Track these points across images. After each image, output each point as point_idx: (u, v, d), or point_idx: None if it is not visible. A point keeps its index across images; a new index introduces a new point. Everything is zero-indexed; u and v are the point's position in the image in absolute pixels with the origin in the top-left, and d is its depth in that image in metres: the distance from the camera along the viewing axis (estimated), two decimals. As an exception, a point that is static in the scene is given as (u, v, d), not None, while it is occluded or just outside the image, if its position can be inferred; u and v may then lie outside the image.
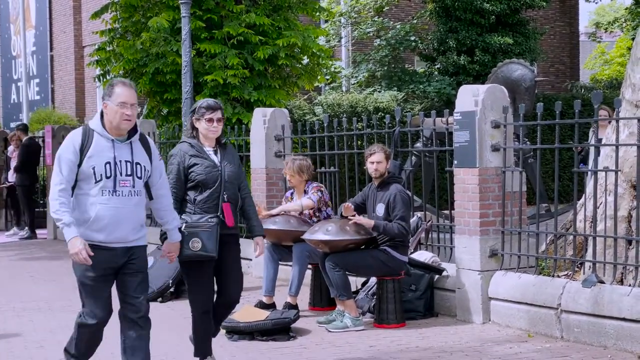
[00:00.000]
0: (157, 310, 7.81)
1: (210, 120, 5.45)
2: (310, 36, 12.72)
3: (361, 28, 19.80)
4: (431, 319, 7.16)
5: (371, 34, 19.74)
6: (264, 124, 9.41)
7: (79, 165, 4.59)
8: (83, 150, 4.62)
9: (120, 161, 4.66)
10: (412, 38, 19.14)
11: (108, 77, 13.24)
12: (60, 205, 4.53)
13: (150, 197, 4.87)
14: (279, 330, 6.59)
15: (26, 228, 14.60)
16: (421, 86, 17.96)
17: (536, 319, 6.47)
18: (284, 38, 12.31)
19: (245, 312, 6.82)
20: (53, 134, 14.27)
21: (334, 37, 20.34)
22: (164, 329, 6.91)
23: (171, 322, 7.22)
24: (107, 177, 4.61)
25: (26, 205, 14.45)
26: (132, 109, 4.67)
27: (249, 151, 9.86)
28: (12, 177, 14.77)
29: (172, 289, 8.48)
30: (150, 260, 8.65)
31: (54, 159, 4.71)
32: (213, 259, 5.33)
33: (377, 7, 19.95)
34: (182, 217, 5.33)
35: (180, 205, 5.39)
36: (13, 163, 14.71)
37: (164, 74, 12.36)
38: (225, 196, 5.40)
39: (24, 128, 15.25)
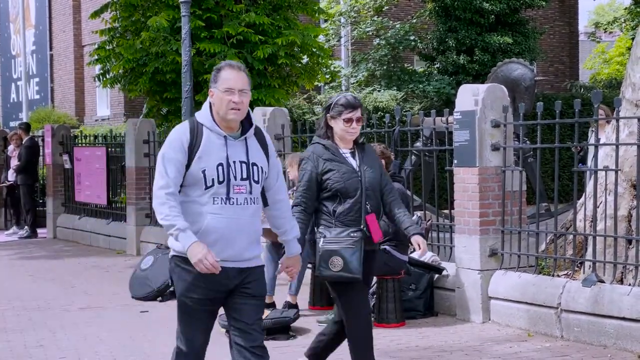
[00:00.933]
0: (156, 310, 7.83)
1: (349, 120, 4.70)
2: (310, 35, 12.71)
3: (361, 27, 19.81)
4: (431, 318, 7.16)
5: (371, 34, 19.74)
6: (263, 123, 9.41)
7: (187, 166, 3.82)
8: (192, 149, 3.82)
9: (234, 162, 3.84)
10: (412, 37, 19.15)
11: (107, 77, 13.25)
12: (171, 209, 3.75)
13: (266, 203, 4.04)
14: (279, 329, 6.59)
15: (26, 227, 14.60)
16: (420, 85, 17.97)
17: (536, 318, 6.47)
18: (283, 37, 12.31)
19: (245, 311, 6.82)
20: (52, 133, 14.27)
21: (333, 36, 20.34)
22: (163, 329, 6.91)
23: (170, 323, 7.21)
24: (220, 182, 3.80)
25: (28, 205, 14.45)
26: (242, 95, 3.85)
27: (248, 150, 9.85)
28: (11, 176, 14.77)
29: (171, 289, 8.48)
30: (150, 260, 8.68)
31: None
32: (358, 281, 4.62)
33: (376, 7, 19.97)
34: (319, 229, 4.67)
35: (315, 217, 4.71)
36: (13, 162, 14.71)
37: (163, 73, 12.36)
38: (368, 206, 4.69)
39: (26, 127, 15.25)
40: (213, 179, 3.80)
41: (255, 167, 3.89)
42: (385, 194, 4.84)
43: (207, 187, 3.80)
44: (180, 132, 3.86)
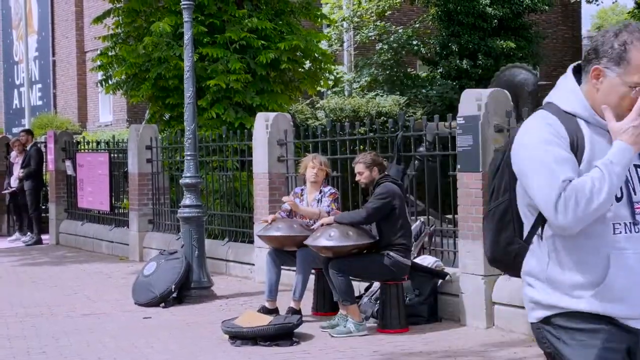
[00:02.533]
0: (160, 316, 7.81)
1: None
2: (313, 40, 12.72)
3: (363, 32, 19.81)
4: (435, 323, 7.13)
5: (373, 38, 19.75)
6: (266, 128, 9.40)
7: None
8: (576, 149, 2.51)
9: (632, 170, 2.55)
10: (415, 42, 19.16)
11: (110, 82, 13.26)
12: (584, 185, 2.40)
13: None
14: (282, 335, 6.56)
15: (29, 233, 14.59)
16: (423, 90, 17.96)
17: (540, 323, 6.44)
18: (286, 42, 12.31)
19: (248, 317, 6.80)
20: (55, 140, 14.27)
21: (336, 41, 20.36)
22: (166, 335, 6.90)
23: (173, 329, 7.20)
24: (617, 200, 2.49)
25: (35, 211, 14.46)
26: None
27: (251, 156, 9.85)
28: (14, 182, 14.77)
29: (174, 295, 8.46)
30: (153, 266, 8.67)
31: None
32: None
33: (379, 12, 19.97)
34: None
35: None
36: (16, 168, 14.71)
37: (166, 79, 12.36)
38: None
39: (30, 133, 15.35)
40: None
41: None
42: None
43: None
44: (550, 124, 2.53)
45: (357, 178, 7.05)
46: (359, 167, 7.00)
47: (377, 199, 6.77)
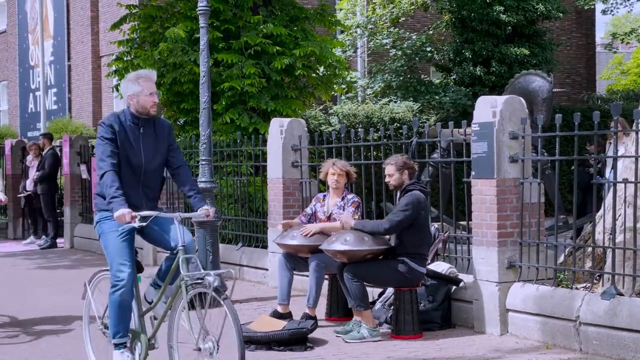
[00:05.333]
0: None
1: None
2: (328, 47, 12.76)
3: (377, 39, 19.83)
4: (448, 330, 7.14)
5: (387, 45, 19.77)
6: (280, 134, 9.43)
7: None
8: None
9: None
10: (428, 49, 19.17)
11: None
12: None
13: None
14: (296, 340, 6.58)
15: (44, 237, 14.68)
16: (437, 97, 17.96)
17: (554, 331, 6.44)
18: (301, 48, 12.36)
19: (261, 322, 6.83)
20: (70, 144, 14.36)
21: (349, 47, 20.39)
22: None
23: (186, 333, 7.22)
24: None
25: (51, 214, 14.54)
26: None
27: (265, 161, 9.89)
28: (29, 186, 14.87)
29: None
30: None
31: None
32: None
33: (393, 18, 20.00)
34: None
35: None
36: (32, 172, 14.81)
37: (181, 84, 12.43)
38: None
39: (50, 137, 15.45)
40: None
41: None
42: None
43: None
44: None
45: (387, 180, 7.02)
46: (389, 169, 6.99)
47: (401, 211, 6.75)
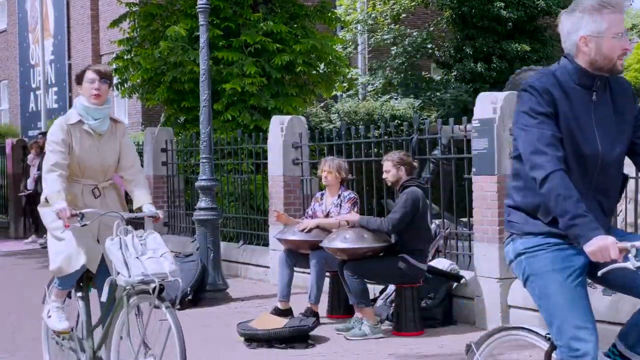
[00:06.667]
0: (176, 318, 7.83)
1: None
2: (328, 43, 12.76)
3: (378, 35, 19.83)
4: (450, 326, 7.14)
5: (388, 42, 19.76)
6: (281, 131, 9.43)
7: None
8: None
9: None
10: (429, 45, 19.17)
11: (126, 86, 13.33)
12: None
13: None
14: (298, 337, 6.58)
15: (45, 236, 14.66)
16: (438, 93, 17.96)
17: (556, 327, 6.43)
18: (302, 44, 12.35)
19: (263, 319, 6.83)
20: (71, 142, 14.34)
21: (350, 44, 20.38)
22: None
23: (188, 331, 7.22)
24: None
25: None
26: None
27: (266, 158, 9.88)
28: (30, 184, 14.86)
29: (190, 297, 8.50)
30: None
31: None
32: None
33: (393, 15, 19.99)
34: None
35: None
36: (33, 171, 14.81)
37: (181, 82, 12.42)
38: None
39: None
40: None
41: None
42: None
43: None
44: None
45: (384, 176, 7.03)
46: (386, 165, 6.99)
47: (400, 208, 6.76)
